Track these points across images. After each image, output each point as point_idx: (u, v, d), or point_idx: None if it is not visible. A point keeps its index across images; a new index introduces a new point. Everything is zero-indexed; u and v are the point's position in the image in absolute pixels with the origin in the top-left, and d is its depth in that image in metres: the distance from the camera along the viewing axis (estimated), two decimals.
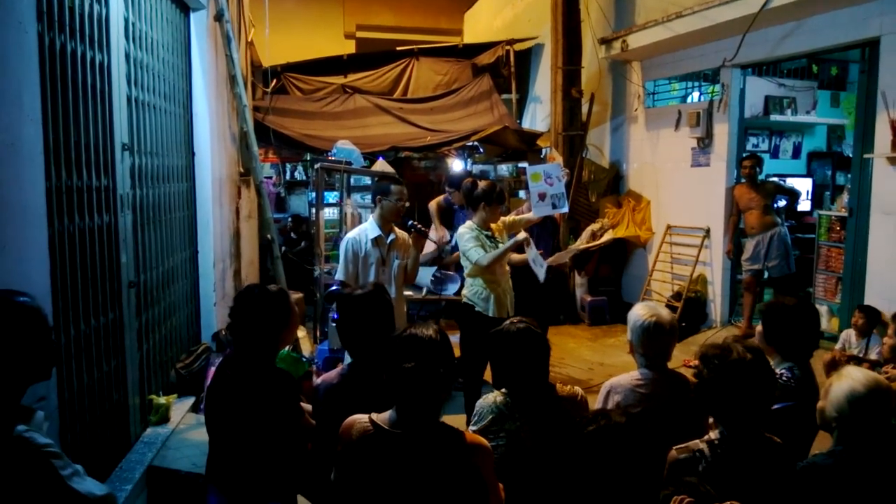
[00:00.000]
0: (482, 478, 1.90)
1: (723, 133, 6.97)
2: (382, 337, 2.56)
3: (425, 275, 5.49)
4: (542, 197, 4.64)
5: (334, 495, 2.03)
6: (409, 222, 4.46)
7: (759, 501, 1.92)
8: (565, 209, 4.84)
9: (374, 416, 1.99)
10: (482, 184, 4.63)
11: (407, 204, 4.34)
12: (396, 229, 4.34)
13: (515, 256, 4.63)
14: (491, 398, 2.43)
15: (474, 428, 2.39)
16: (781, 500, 1.98)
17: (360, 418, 2.01)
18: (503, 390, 2.44)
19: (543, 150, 8.79)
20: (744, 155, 6.90)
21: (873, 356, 4.78)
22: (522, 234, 4.42)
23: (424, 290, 5.56)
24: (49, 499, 1.78)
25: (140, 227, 3.92)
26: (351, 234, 4.26)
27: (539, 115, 9.74)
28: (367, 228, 4.24)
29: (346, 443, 1.98)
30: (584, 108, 8.26)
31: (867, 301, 5.31)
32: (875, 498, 2.01)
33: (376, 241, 4.19)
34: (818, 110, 8.75)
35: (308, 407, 2.76)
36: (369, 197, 5.09)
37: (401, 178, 4.66)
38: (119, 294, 3.54)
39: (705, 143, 7.16)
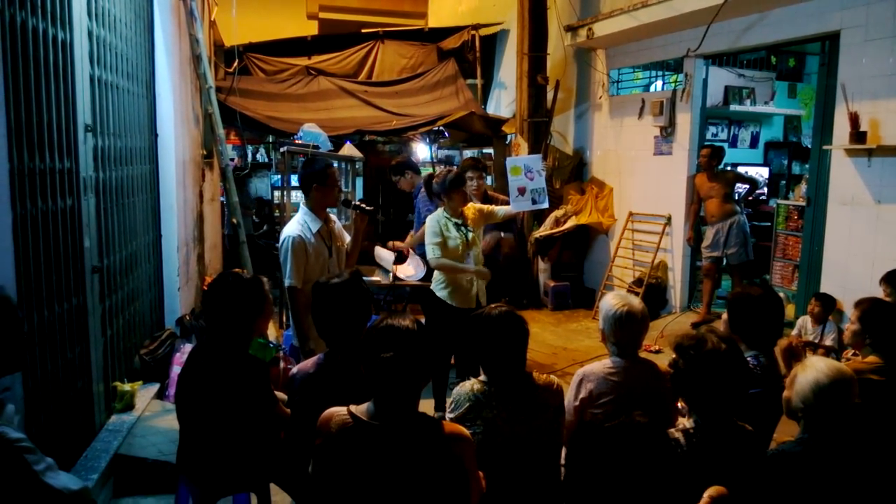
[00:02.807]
0: (463, 467, 1.92)
1: (685, 122, 7.08)
2: (360, 326, 2.55)
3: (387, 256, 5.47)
4: (521, 191, 4.55)
5: (313, 488, 2.02)
6: (353, 203, 3.97)
7: (734, 488, 1.98)
8: (545, 204, 4.69)
9: (353, 408, 1.98)
10: (437, 175, 4.64)
11: (343, 188, 4.16)
12: (330, 215, 3.94)
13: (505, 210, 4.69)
14: (468, 386, 2.44)
15: (451, 416, 2.40)
16: (754, 486, 2.05)
17: (339, 411, 1.99)
18: (481, 378, 2.46)
19: (509, 137, 8.81)
20: (704, 145, 7.02)
21: (828, 342, 4.95)
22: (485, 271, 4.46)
23: (391, 276, 5.54)
24: (23, 495, 1.74)
25: (103, 211, 3.82)
26: (293, 233, 3.66)
27: (504, 101, 9.74)
28: (307, 222, 3.73)
29: (326, 435, 1.96)
30: (549, 95, 8.29)
31: (823, 289, 5.49)
32: (842, 482, 2.09)
33: (320, 234, 3.75)
34: (776, 101, 8.96)
35: (282, 396, 2.75)
36: None
37: (330, 160, 4.41)
38: (82, 279, 3.45)
39: (668, 131, 7.26)
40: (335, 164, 4.14)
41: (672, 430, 2.19)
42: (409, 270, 5.46)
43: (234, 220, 6.17)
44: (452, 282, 4.43)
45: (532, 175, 4.54)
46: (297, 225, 3.72)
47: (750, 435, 2.22)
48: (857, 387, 2.23)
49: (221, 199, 7.35)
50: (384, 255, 5.87)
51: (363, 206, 3.86)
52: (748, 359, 2.77)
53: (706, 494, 1.82)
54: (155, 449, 3.69)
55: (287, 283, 3.67)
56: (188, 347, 4.54)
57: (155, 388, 4.35)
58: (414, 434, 1.90)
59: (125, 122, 4.29)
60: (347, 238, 4.00)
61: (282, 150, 6.07)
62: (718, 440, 2.15)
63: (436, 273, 4.55)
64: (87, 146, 3.54)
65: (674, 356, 2.28)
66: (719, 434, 2.16)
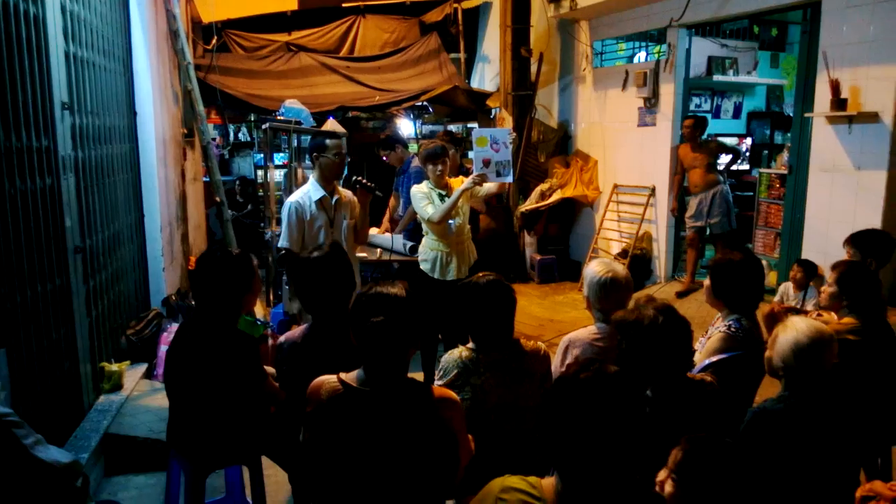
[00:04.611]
0: (452, 430, 1.94)
1: (668, 93, 7.08)
2: (344, 297, 2.56)
3: (397, 241, 5.47)
4: (486, 163, 4.39)
5: (304, 456, 2.03)
6: (354, 178, 4.11)
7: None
8: (510, 179, 4.48)
9: (343, 375, 1.99)
10: (422, 145, 4.65)
11: (347, 158, 4.21)
12: (340, 188, 4.10)
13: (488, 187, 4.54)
14: (456, 353, 2.46)
15: (440, 382, 2.42)
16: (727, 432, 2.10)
17: (328, 379, 2.01)
18: (469, 345, 2.48)
19: (493, 111, 8.78)
20: (687, 115, 7.03)
21: (810, 308, 5.01)
22: (470, 180, 4.32)
23: (379, 252, 5.54)
24: (13, 468, 1.74)
25: (83, 190, 3.78)
26: (293, 198, 3.96)
27: (488, 75, 9.69)
28: (310, 190, 3.97)
29: (316, 403, 1.98)
30: (533, 68, 8.26)
31: (804, 255, 5.54)
32: (820, 437, 2.15)
33: (321, 203, 3.94)
34: (758, 71, 8.97)
35: (271, 370, 2.76)
36: None
37: (338, 133, 4.49)
38: (65, 259, 3.43)
39: (651, 102, 7.26)
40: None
41: None
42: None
43: (218, 199, 6.13)
44: (438, 254, 4.44)
45: (498, 147, 4.38)
46: (301, 193, 4.00)
47: (707, 386, 2.26)
48: (835, 346, 2.28)
49: (222, 178, 7.28)
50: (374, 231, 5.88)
51: (364, 181, 4.04)
52: (731, 322, 2.81)
53: None
54: (145, 427, 3.70)
55: (280, 243, 3.97)
56: (175, 327, 4.53)
57: (143, 368, 4.35)
58: (404, 399, 1.92)
59: (103, 100, 4.23)
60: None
61: (264, 126, 6.01)
62: (679, 401, 2.20)
63: (420, 247, 4.57)
64: (65, 124, 3.50)
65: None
66: (679, 395, 2.21)
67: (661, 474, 1.73)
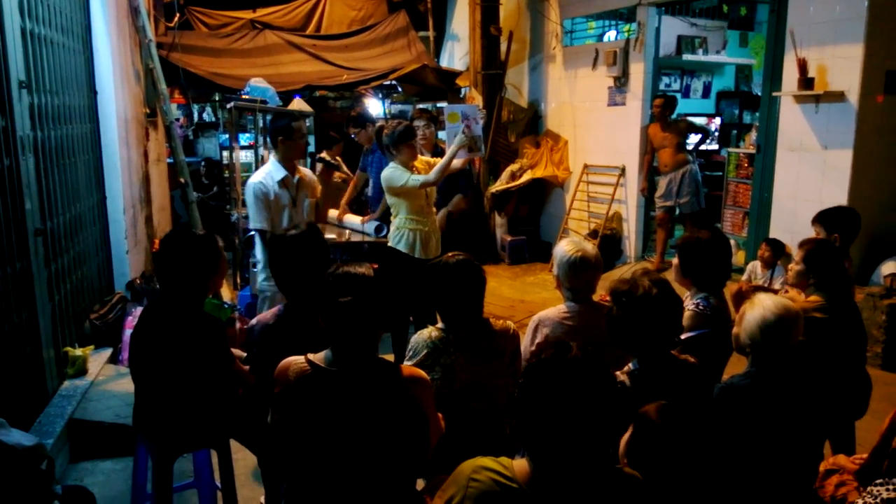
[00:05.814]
0: (422, 409, 1.93)
1: (638, 72, 7.09)
2: (318, 277, 2.52)
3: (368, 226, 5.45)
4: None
5: (272, 437, 2.01)
6: (318, 156, 4.26)
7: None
8: (482, 153, 4.60)
9: (311, 356, 1.98)
10: (388, 127, 4.56)
11: (308, 141, 4.24)
12: (300, 168, 4.17)
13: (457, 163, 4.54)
14: (426, 333, 2.45)
15: (410, 363, 2.41)
16: (702, 413, 2.11)
17: (296, 359, 1.99)
18: (439, 325, 2.47)
19: (463, 90, 8.72)
20: (657, 95, 7.05)
21: (777, 286, 5.09)
22: (462, 136, 4.35)
23: (347, 234, 5.50)
24: None
25: (43, 172, 3.68)
26: (255, 179, 3.96)
27: (457, 54, 9.62)
28: (271, 171, 3.99)
29: (284, 384, 1.95)
30: (503, 47, 8.21)
31: (772, 234, 5.63)
32: (786, 412, 2.18)
33: (283, 183, 3.98)
34: (727, 50, 9.03)
35: (239, 353, 2.72)
36: None
37: (304, 113, 4.47)
38: (25, 242, 3.33)
39: (621, 82, 7.27)
40: (304, 120, 4.25)
41: (618, 372, 2.23)
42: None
43: (182, 180, 6.01)
44: (416, 234, 4.39)
45: (469, 122, 4.44)
46: (262, 173, 4.01)
47: (692, 366, 2.28)
48: (802, 323, 2.30)
49: (187, 159, 7.14)
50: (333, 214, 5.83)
51: (328, 159, 4.15)
52: (699, 301, 2.84)
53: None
54: (111, 412, 3.64)
55: (251, 225, 4.00)
56: (140, 311, 4.45)
57: (108, 352, 4.27)
58: (372, 379, 1.90)
59: (62, 79, 4.11)
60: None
61: (229, 106, 5.89)
62: (661, 377, 2.21)
63: (394, 229, 4.49)
64: (23, 104, 3.39)
65: (609, 302, 2.32)
66: (661, 371, 2.22)
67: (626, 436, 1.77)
